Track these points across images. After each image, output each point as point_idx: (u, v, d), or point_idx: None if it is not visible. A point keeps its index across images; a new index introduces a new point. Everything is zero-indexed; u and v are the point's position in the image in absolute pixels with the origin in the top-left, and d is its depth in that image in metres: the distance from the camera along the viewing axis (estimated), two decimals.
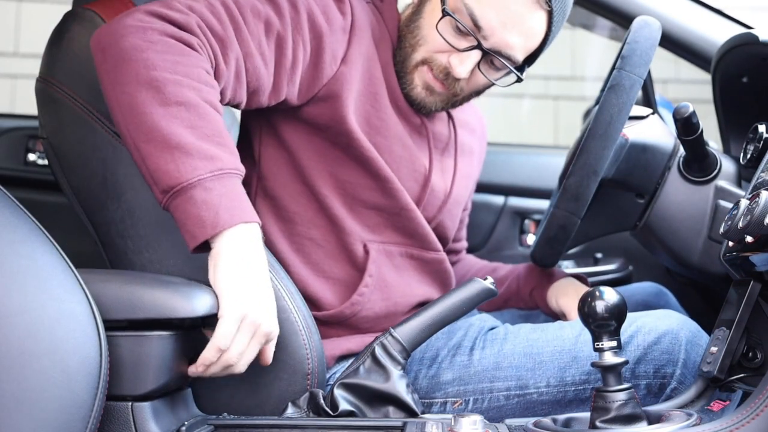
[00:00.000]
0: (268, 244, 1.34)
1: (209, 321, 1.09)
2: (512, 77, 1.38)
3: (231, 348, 1.08)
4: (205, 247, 1.10)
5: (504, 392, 1.27)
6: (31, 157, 2.28)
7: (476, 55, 1.32)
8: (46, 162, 2.22)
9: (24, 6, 3.77)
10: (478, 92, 1.43)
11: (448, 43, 1.32)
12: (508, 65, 1.33)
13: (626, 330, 1.25)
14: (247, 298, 1.08)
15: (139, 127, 1.08)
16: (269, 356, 1.14)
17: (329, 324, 1.35)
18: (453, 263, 1.71)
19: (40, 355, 0.89)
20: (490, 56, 1.32)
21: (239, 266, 1.08)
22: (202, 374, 1.10)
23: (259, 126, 1.38)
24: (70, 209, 1.30)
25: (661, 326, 1.25)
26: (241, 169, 1.13)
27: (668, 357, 1.23)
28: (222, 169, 1.09)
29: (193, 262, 1.20)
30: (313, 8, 1.29)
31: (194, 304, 1.05)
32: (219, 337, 1.07)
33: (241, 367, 1.10)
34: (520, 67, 1.37)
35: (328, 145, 1.34)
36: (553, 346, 1.28)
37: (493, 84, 1.39)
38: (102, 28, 1.14)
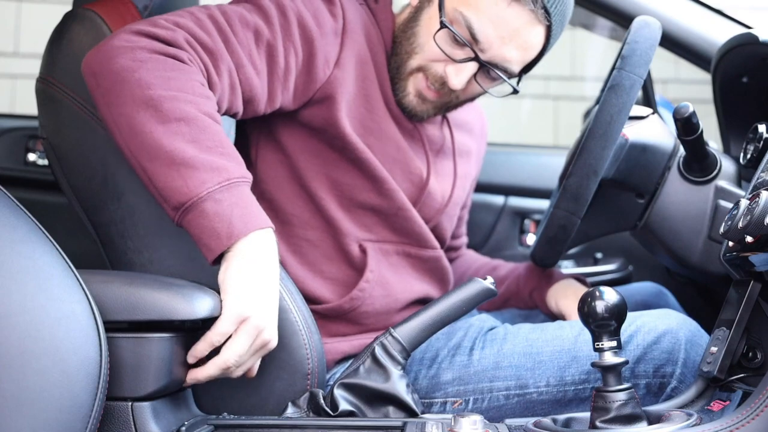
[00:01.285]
0: None
1: (210, 324, 1.09)
2: (508, 87, 1.37)
3: (228, 348, 1.07)
4: (223, 257, 1.10)
5: (504, 392, 1.27)
6: (31, 157, 2.28)
7: (473, 66, 1.32)
8: (46, 162, 2.22)
9: (24, 6, 3.77)
10: (471, 99, 1.43)
11: (444, 53, 1.32)
12: (504, 78, 1.33)
13: (626, 329, 1.25)
14: (251, 301, 1.08)
15: (142, 146, 1.08)
16: (255, 369, 1.14)
17: (329, 317, 1.35)
18: (453, 259, 1.71)
19: (40, 355, 0.89)
20: (486, 68, 1.32)
21: (250, 269, 1.08)
22: (196, 377, 1.09)
23: (256, 130, 1.38)
24: (70, 209, 1.30)
25: (660, 326, 1.25)
26: (248, 177, 1.12)
27: (668, 356, 1.23)
28: (229, 179, 1.09)
29: (194, 263, 1.20)
30: (303, 13, 1.28)
31: (195, 306, 1.05)
32: (213, 333, 1.07)
33: (237, 372, 1.10)
34: (517, 76, 1.37)
35: (324, 147, 1.34)
36: (552, 346, 1.28)
37: (487, 93, 1.39)
38: (90, 53, 1.14)
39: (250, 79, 1.22)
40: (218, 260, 1.10)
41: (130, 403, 1.03)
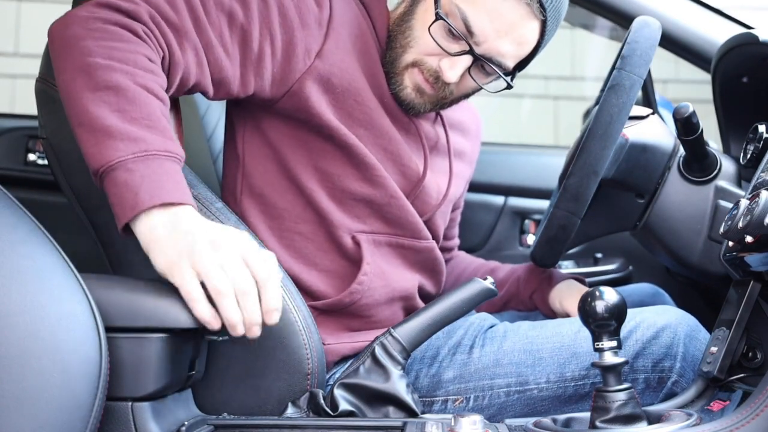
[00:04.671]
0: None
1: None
2: (502, 83, 1.37)
3: (208, 280, 1.02)
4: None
5: (504, 389, 1.27)
6: (31, 157, 2.28)
7: (467, 60, 1.31)
8: (46, 162, 2.21)
9: (24, 6, 3.77)
10: (467, 95, 1.42)
11: (439, 46, 1.31)
12: (499, 72, 1.32)
13: (625, 325, 1.24)
14: (176, 244, 1.03)
15: (73, 111, 1.10)
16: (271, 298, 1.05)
17: (329, 313, 1.34)
18: (446, 261, 1.71)
19: (40, 355, 0.89)
20: (480, 62, 1.32)
21: (167, 233, 1.04)
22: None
23: (243, 123, 1.38)
24: (70, 209, 1.30)
25: (659, 321, 1.26)
26: (175, 152, 1.10)
27: (666, 351, 1.24)
28: (147, 150, 1.07)
29: None
30: (285, 1, 1.29)
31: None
32: (189, 302, 1.02)
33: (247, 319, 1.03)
34: (511, 73, 1.37)
35: (311, 137, 1.34)
36: (552, 343, 1.28)
37: (482, 89, 1.39)
38: (56, 20, 1.17)
39: (220, 60, 1.23)
40: (129, 233, 1.08)
41: (130, 403, 1.03)
